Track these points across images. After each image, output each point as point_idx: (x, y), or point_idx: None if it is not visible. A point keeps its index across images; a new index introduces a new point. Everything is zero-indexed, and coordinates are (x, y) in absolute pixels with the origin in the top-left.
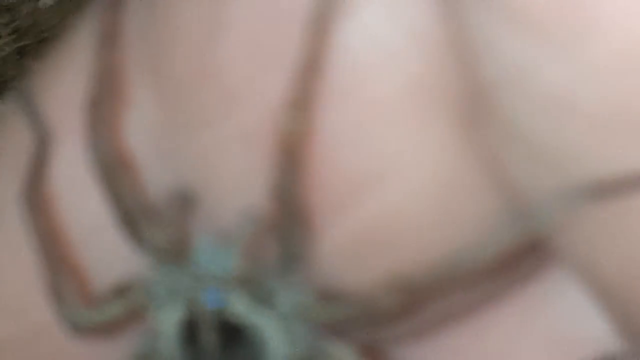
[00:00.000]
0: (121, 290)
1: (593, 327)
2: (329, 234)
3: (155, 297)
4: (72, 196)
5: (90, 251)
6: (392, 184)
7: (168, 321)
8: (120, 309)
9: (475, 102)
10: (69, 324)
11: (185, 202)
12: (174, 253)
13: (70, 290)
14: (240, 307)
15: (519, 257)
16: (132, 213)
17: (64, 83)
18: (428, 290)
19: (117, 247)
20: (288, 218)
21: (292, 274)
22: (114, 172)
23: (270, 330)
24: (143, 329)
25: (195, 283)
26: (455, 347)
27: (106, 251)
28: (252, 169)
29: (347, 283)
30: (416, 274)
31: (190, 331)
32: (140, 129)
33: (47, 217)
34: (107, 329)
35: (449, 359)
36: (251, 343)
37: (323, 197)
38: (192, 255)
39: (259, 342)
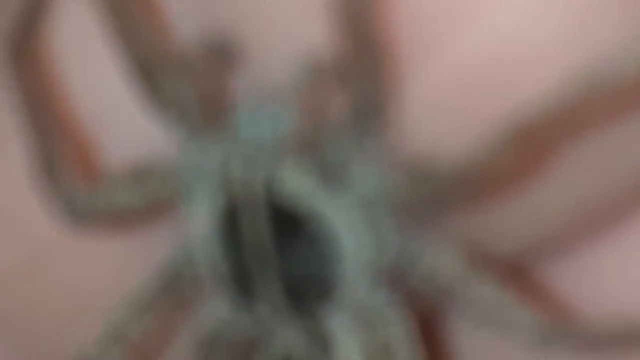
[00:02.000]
0: (135, 175)
1: None
2: (417, 82)
3: (183, 182)
4: (73, 52)
5: (97, 124)
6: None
7: (203, 211)
8: (132, 196)
9: None
10: (64, 208)
11: (222, 52)
12: (207, 117)
13: (66, 167)
14: (297, 187)
15: None
16: (151, 64)
17: None
18: (553, 132)
19: (133, 119)
20: (363, 59)
21: (369, 140)
22: (127, 10)
23: (343, 218)
24: (167, 230)
25: (233, 159)
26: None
27: (118, 124)
28: (309, 8)
29: (439, 148)
30: (534, 114)
31: (232, 224)
32: None
33: (36, 75)
34: (114, 224)
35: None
36: (315, 236)
37: (409, 31)
38: (232, 120)
39: (326, 235)
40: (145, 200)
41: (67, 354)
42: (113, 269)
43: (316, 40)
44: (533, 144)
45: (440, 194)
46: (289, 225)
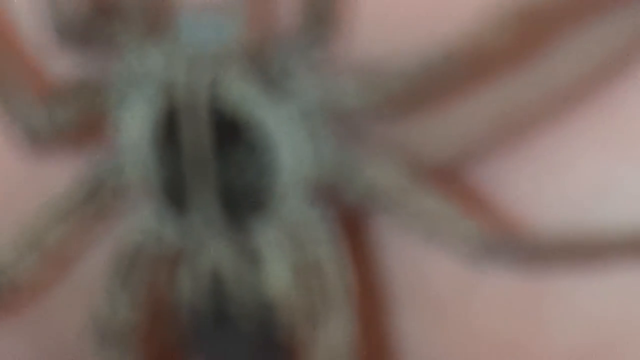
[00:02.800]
0: (81, 84)
1: None
2: None
3: (120, 85)
4: None
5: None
6: None
7: (134, 119)
8: (81, 106)
9: None
10: (23, 131)
11: None
12: (147, 22)
13: (20, 85)
14: (241, 93)
15: None
16: None
17: None
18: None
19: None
20: None
21: (315, 47)
22: None
23: (283, 129)
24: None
25: (176, 62)
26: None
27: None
28: None
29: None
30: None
31: (168, 130)
32: None
33: None
34: (63, 145)
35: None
36: (254, 146)
37: None
38: (175, 25)
39: (265, 145)
40: (89, 106)
41: None
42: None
43: None
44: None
45: (401, 92)
46: (229, 133)
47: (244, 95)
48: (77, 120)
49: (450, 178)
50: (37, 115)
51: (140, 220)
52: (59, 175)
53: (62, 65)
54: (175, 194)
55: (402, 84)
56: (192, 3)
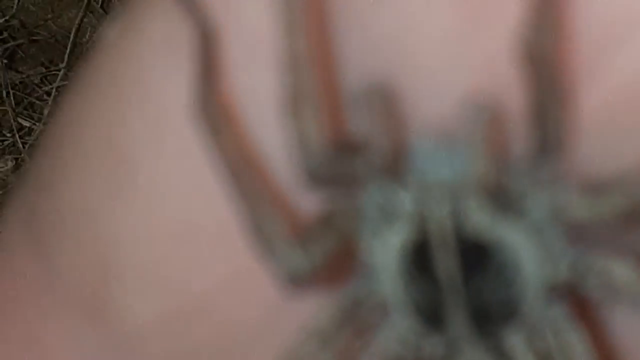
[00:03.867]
0: (330, 219)
1: None
2: (586, 103)
3: (368, 220)
4: (254, 103)
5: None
6: None
7: (387, 248)
8: (332, 240)
9: None
10: (286, 274)
11: (383, 97)
12: (388, 162)
13: (279, 231)
14: (484, 219)
15: None
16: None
17: None
18: None
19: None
20: (544, 87)
21: (544, 169)
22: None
23: (523, 244)
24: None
25: (420, 195)
26: None
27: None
28: (460, 32)
29: (612, 168)
30: None
31: (418, 257)
32: None
33: (231, 132)
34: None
35: None
36: (499, 265)
37: (578, 54)
38: (412, 161)
39: (509, 261)
40: (339, 239)
41: None
42: None
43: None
44: None
45: (618, 210)
46: (474, 256)
47: (484, 221)
48: (329, 255)
49: None
50: (296, 256)
51: (397, 333)
52: (313, 305)
53: (309, 203)
54: (428, 312)
55: (623, 198)
56: (426, 136)
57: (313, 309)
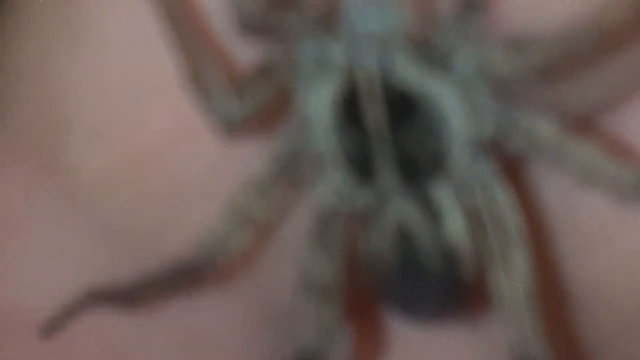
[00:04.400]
0: (265, 69)
1: None
2: None
3: (302, 71)
4: None
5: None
6: None
7: (320, 99)
8: (267, 90)
9: None
10: (220, 120)
11: None
12: (320, 15)
13: (215, 79)
14: (411, 71)
15: None
16: None
17: None
18: None
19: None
20: None
21: (470, 25)
22: None
23: (448, 98)
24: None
25: (351, 47)
26: None
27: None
28: None
29: (538, 27)
30: None
31: (349, 108)
32: None
33: None
34: (253, 127)
35: None
36: (426, 117)
37: None
38: (343, 15)
39: (435, 114)
40: (274, 90)
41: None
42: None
43: None
44: None
45: (543, 63)
46: (403, 107)
47: (412, 73)
48: (264, 104)
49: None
50: (230, 103)
51: (332, 185)
52: (251, 155)
53: (245, 54)
54: (359, 163)
55: (541, 56)
56: None
57: (252, 162)
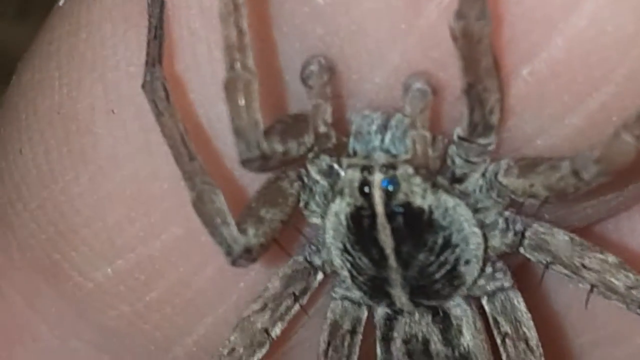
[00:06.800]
0: (269, 195)
1: None
2: (516, 83)
3: (311, 194)
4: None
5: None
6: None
7: (332, 221)
8: (276, 217)
9: None
10: (227, 255)
11: (325, 70)
12: (327, 137)
13: (220, 209)
14: (423, 193)
15: None
16: None
17: None
18: None
19: None
20: (478, 67)
21: (478, 146)
22: None
23: (463, 218)
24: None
25: (362, 169)
26: None
27: None
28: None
29: (543, 147)
30: None
31: (362, 230)
32: None
33: (174, 109)
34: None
35: None
36: (442, 237)
37: (511, 35)
38: (353, 139)
39: (451, 234)
40: (281, 215)
41: None
42: None
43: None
44: None
45: (553, 186)
46: (417, 230)
47: (424, 195)
48: (276, 230)
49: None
50: (237, 239)
51: (346, 292)
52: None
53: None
54: (374, 285)
55: (543, 187)
56: (367, 111)
57: (264, 272)
